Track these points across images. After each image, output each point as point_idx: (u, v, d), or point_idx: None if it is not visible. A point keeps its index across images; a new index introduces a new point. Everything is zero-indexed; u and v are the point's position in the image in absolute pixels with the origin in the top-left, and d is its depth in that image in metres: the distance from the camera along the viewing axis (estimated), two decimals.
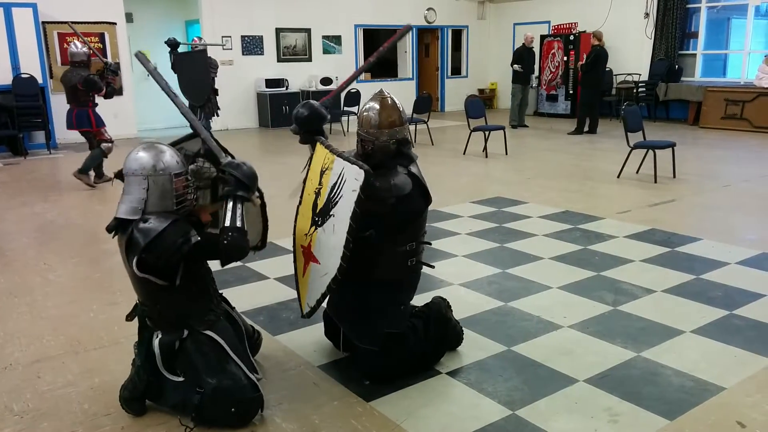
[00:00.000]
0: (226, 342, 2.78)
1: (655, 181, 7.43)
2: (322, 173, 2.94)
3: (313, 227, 2.94)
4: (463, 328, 3.62)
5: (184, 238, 2.58)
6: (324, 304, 3.15)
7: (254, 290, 4.29)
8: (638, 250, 4.98)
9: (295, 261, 3.17)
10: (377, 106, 3.08)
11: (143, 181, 2.66)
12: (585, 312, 3.84)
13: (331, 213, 2.82)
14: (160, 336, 2.77)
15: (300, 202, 3.16)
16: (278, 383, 3.07)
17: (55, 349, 3.50)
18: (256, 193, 2.83)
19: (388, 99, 3.11)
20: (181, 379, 2.76)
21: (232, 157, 2.93)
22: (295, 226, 3.17)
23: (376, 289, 3.07)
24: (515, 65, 12.36)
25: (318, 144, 3.05)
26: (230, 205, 2.68)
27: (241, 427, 2.70)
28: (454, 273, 4.56)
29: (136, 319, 2.91)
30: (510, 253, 5.00)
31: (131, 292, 4.05)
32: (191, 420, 2.69)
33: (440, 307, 3.33)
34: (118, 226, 2.69)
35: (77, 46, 7.71)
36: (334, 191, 2.81)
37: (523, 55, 12.39)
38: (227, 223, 2.65)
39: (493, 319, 3.78)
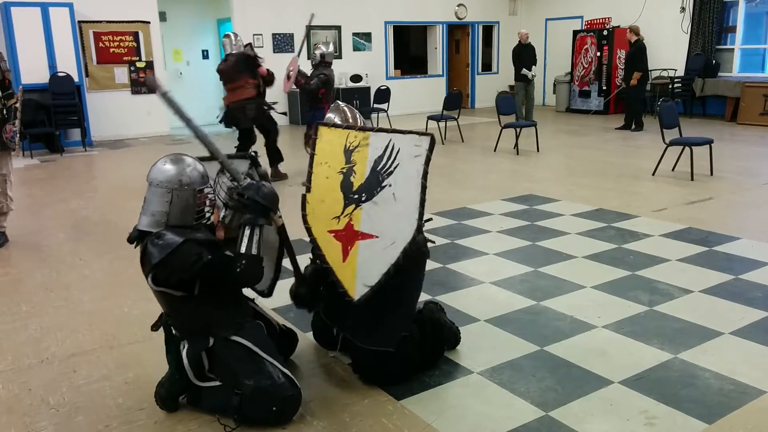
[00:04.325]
0: (255, 343, 2.77)
1: (692, 179, 7.27)
2: (349, 152, 2.94)
3: (352, 206, 2.89)
4: (496, 327, 3.61)
5: (196, 257, 2.55)
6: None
7: (285, 287, 4.28)
8: (674, 249, 4.88)
9: (320, 251, 3.01)
10: (340, 116, 3.28)
11: (167, 194, 2.65)
12: (620, 312, 3.78)
13: (384, 184, 2.81)
14: (186, 347, 2.77)
15: (309, 191, 3.06)
16: (308, 381, 3.07)
17: (90, 344, 3.55)
18: (278, 212, 2.84)
19: (347, 109, 3.32)
20: (217, 383, 2.76)
21: (259, 177, 2.95)
22: (305, 216, 3.05)
23: (403, 283, 3.03)
24: (525, 70, 12.14)
25: (322, 128, 3.08)
26: (248, 231, 2.68)
27: (283, 425, 2.71)
28: (485, 271, 4.52)
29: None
30: (542, 252, 4.94)
31: None
32: (233, 422, 2.69)
33: (433, 311, 3.33)
34: (138, 237, 2.69)
35: (329, 45, 8.00)
36: (383, 163, 2.83)
37: (520, 53, 12.20)
38: (243, 249, 2.65)
39: (525, 318, 3.74)
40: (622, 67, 13.19)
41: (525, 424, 2.69)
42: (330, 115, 3.26)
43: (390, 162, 2.82)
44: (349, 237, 2.89)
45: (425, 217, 3.24)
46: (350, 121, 3.23)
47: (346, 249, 2.90)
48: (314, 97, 7.69)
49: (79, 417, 2.83)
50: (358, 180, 2.90)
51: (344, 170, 2.94)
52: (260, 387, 2.66)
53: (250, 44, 7.99)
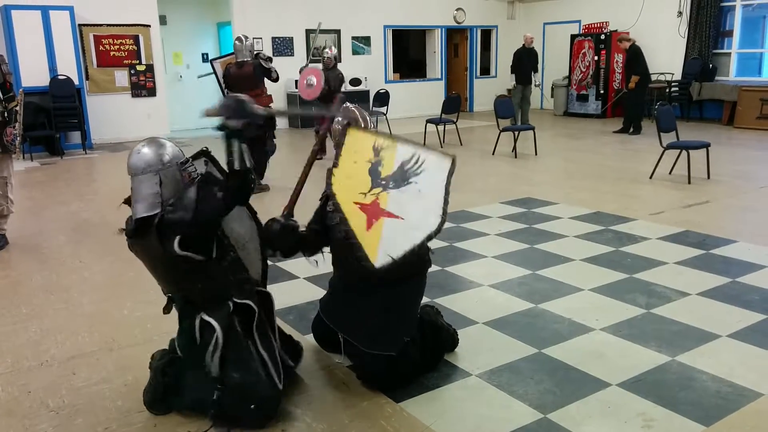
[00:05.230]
0: (262, 313, 2.86)
1: (689, 182, 7.30)
2: (376, 150, 2.94)
3: (379, 189, 2.88)
4: (494, 330, 3.63)
5: (217, 201, 2.64)
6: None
7: (284, 289, 4.31)
8: (672, 252, 4.90)
9: (344, 215, 2.93)
10: (349, 118, 3.20)
11: (154, 176, 2.66)
12: (617, 315, 3.79)
13: (410, 180, 2.81)
14: (205, 315, 2.76)
15: (336, 166, 3.01)
16: (308, 383, 3.08)
17: (90, 346, 3.56)
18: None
19: (355, 109, 3.27)
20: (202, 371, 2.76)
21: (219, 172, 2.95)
22: (330, 184, 2.98)
23: (407, 289, 3.09)
24: (513, 74, 12.32)
25: (352, 130, 3.05)
26: (236, 146, 2.70)
27: (260, 424, 2.72)
28: (483, 274, 4.54)
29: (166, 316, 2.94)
30: (540, 255, 4.96)
31: None
32: (210, 417, 2.69)
33: (430, 315, 3.35)
34: (136, 228, 2.69)
35: (333, 50, 9.32)
36: (410, 165, 2.83)
37: (522, 56, 12.22)
38: (238, 165, 2.70)
39: (524, 321, 3.75)
40: (620, 71, 13.26)
41: (523, 427, 2.70)
42: (340, 118, 3.22)
43: (417, 166, 2.83)
44: (375, 212, 2.87)
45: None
46: (359, 123, 3.19)
47: (371, 221, 2.87)
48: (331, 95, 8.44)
49: (78, 419, 2.83)
50: (385, 171, 2.90)
51: (372, 161, 2.94)
52: (244, 382, 2.68)
53: (266, 57, 8.02)
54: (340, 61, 8.70)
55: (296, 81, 13.36)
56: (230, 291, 2.81)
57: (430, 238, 2.74)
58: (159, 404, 2.84)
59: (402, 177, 2.84)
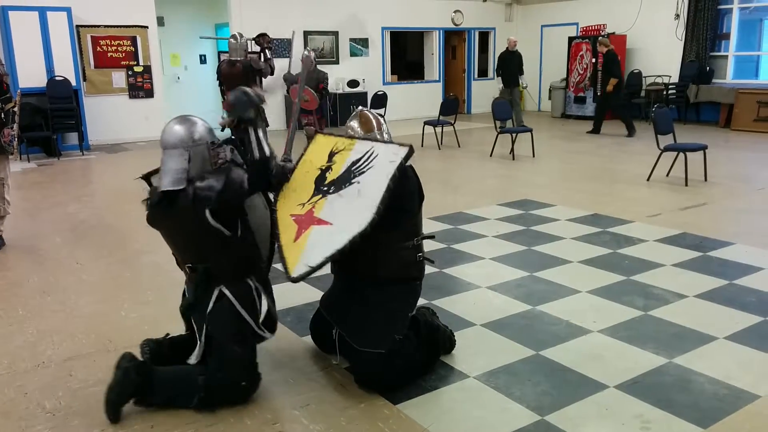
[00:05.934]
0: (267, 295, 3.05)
1: (686, 185, 7.31)
2: (332, 154, 3.16)
3: (319, 196, 3.05)
4: (492, 332, 3.63)
5: (244, 177, 2.85)
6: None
7: (282, 291, 4.28)
8: (669, 254, 4.91)
9: (277, 230, 3.11)
10: (357, 119, 3.29)
11: (184, 152, 2.81)
12: (615, 317, 3.80)
13: (353, 180, 2.97)
14: (224, 288, 2.89)
15: (287, 180, 3.23)
16: (305, 384, 3.08)
17: (86, 348, 3.55)
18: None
19: (366, 112, 3.33)
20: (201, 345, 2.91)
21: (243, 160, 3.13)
22: (275, 202, 3.18)
23: (396, 290, 3.09)
24: (498, 77, 12.34)
25: (319, 136, 3.36)
26: (252, 136, 3.07)
27: (241, 403, 2.86)
28: (481, 275, 4.54)
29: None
30: (538, 256, 4.96)
31: (162, 292, 4.11)
32: (197, 402, 2.80)
33: (425, 316, 3.35)
34: (163, 199, 2.80)
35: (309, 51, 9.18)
36: (359, 164, 2.99)
37: (506, 59, 12.24)
38: (266, 151, 3.14)
39: (522, 322, 3.75)
40: None
41: (521, 429, 2.70)
42: (352, 123, 3.23)
43: (365, 164, 2.97)
44: (306, 221, 3.03)
45: (427, 234, 3.31)
46: (374, 130, 3.18)
47: (300, 231, 3.03)
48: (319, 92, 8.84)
49: (75, 421, 2.83)
50: (332, 176, 3.08)
51: (323, 167, 3.14)
52: (244, 357, 2.85)
53: (268, 45, 8.15)
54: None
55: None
56: (251, 269, 2.97)
57: (354, 240, 2.81)
58: (118, 408, 2.79)
59: (346, 178, 3.00)
